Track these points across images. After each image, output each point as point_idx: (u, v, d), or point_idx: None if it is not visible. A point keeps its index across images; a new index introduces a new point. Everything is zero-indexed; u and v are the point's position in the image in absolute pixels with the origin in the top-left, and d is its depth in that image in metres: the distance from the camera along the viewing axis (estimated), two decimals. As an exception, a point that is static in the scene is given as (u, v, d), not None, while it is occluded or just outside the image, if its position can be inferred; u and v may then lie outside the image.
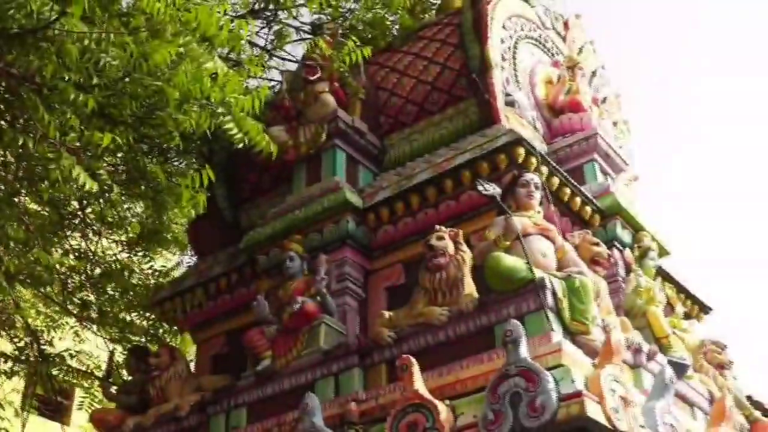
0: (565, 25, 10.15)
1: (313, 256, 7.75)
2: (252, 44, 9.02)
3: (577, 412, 5.29)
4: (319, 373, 7.08)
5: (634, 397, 5.76)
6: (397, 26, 10.13)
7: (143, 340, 9.59)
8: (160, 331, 9.40)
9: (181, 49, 5.52)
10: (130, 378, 8.80)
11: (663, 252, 8.35)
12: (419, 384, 5.94)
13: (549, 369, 5.61)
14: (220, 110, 6.18)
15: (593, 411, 5.32)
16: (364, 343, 7.00)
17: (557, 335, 6.04)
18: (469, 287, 6.66)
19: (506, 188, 6.92)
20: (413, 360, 6.00)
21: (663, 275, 8.36)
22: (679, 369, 7.14)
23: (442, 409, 5.77)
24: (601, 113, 9.16)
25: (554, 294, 6.26)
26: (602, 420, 5.35)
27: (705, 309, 9.02)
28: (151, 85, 5.78)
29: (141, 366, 8.59)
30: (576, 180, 8.10)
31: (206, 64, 5.54)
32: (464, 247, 6.81)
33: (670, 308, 8.01)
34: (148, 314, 9.63)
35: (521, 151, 7.22)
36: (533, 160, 7.27)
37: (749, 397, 8.62)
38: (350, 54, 8.06)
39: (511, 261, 6.35)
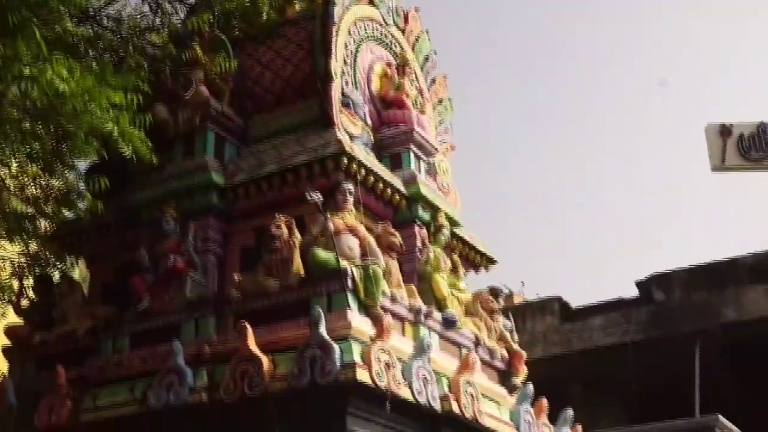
0: (406, 18, 12.35)
1: (185, 220, 10.06)
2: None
3: (352, 376, 7.92)
4: (184, 317, 9.53)
5: (396, 361, 8.39)
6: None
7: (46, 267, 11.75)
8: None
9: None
10: (36, 299, 11.07)
11: (455, 223, 10.94)
12: (251, 342, 8.46)
13: (339, 340, 8.20)
14: (115, 134, 8.35)
15: (362, 375, 7.97)
16: (219, 298, 9.46)
17: (352, 313, 8.62)
18: (297, 266, 9.10)
19: (328, 193, 9.31)
20: (248, 325, 8.51)
21: (457, 238, 11.02)
22: (449, 323, 9.87)
23: (266, 362, 8.32)
24: (423, 104, 11.57)
25: (353, 279, 8.79)
26: (368, 381, 8.00)
27: (491, 261, 11.78)
28: (66, 124, 7.95)
29: (44, 290, 10.91)
30: (395, 164, 10.62)
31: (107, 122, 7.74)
32: (296, 234, 9.21)
33: (454, 271, 10.61)
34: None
35: (345, 160, 9.59)
36: (354, 165, 9.66)
37: (490, 288, 11.29)
38: (221, 63, 10.18)
39: (324, 255, 8.83)
